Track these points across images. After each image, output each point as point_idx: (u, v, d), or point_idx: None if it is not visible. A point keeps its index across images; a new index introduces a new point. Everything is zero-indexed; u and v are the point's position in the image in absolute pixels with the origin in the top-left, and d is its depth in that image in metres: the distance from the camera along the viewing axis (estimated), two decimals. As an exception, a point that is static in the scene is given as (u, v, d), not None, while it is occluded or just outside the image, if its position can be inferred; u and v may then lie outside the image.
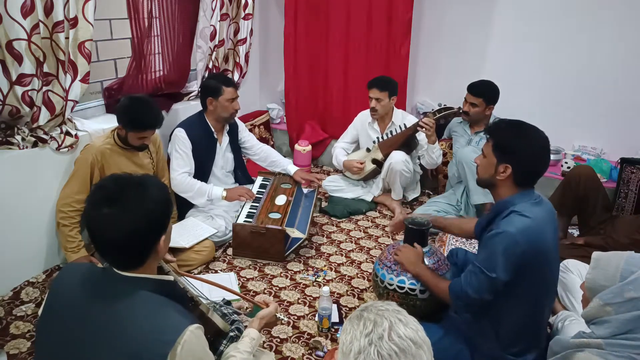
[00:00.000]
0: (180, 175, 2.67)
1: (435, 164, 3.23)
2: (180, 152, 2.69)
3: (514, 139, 1.64)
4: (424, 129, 3.02)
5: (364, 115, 3.40)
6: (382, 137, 3.27)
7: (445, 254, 2.37)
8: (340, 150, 3.48)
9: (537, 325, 1.71)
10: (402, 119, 3.28)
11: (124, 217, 1.13)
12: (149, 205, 1.16)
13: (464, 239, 2.81)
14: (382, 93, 3.14)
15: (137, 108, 2.30)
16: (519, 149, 1.62)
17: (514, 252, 1.55)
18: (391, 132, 3.24)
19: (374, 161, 3.29)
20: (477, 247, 2.68)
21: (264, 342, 2.01)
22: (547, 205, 1.68)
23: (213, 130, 2.83)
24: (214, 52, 3.28)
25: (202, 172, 2.82)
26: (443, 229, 2.22)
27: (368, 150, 3.36)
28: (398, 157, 3.12)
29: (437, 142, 3.13)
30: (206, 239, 2.56)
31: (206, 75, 3.30)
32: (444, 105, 3.47)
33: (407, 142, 3.17)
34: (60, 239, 2.35)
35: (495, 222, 1.67)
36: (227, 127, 2.91)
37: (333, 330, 2.09)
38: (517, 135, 1.65)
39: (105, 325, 1.12)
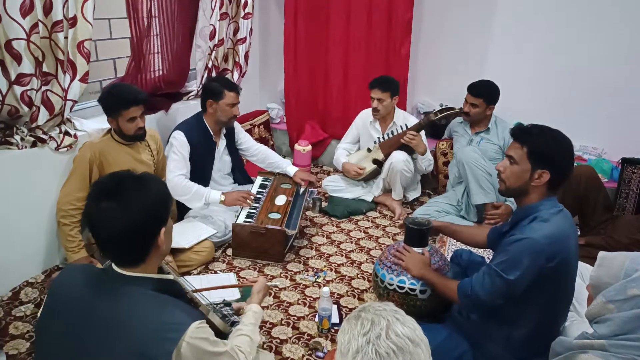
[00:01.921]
0: (177, 177, 2.63)
1: (425, 171, 3.27)
2: (178, 154, 2.66)
3: (550, 144, 1.63)
4: (410, 143, 3.04)
5: (365, 115, 3.40)
6: (383, 137, 3.27)
7: (447, 255, 2.37)
8: (341, 152, 3.47)
9: (550, 333, 1.69)
10: (404, 119, 3.27)
11: (123, 209, 1.14)
12: (147, 197, 1.18)
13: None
14: (384, 93, 3.14)
15: (117, 90, 2.37)
16: (557, 154, 1.62)
17: (537, 259, 1.53)
18: (392, 132, 3.23)
19: (375, 161, 3.28)
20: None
21: (263, 342, 2.01)
22: (568, 215, 1.66)
23: (212, 133, 2.81)
24: (214, 52, 3.28)
25: (202, 175, 2.79)
26: (451, 236, 2.21)
27: (369, 150, 3.35)
28: (399, 157, 3.12)
29: (427, 152, 3.15)
30: (206, 239, 2.56)
31: (206, 74, 3.29)
32: (446, 105, 3.47)
33: (407, 142, 3.17)
34: (61, 238, 2.35)
35: (517, 228, 1.65)
36: (224, 130, 2.90)
37: (333, 331, 2.09)
38: (552, 140, 1.64)
39: (107, 325, 1.12)
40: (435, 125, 3.51)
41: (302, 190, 3.01)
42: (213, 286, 1.90)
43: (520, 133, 1.69)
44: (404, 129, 3.18)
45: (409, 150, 3.19)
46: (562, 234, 1.57)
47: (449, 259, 2.22)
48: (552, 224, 1.57)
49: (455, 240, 2.79)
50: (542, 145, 1.63)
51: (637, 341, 1.18)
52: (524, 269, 1.55)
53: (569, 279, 1.66)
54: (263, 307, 2.20)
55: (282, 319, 2.16)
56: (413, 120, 3.25)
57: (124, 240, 1.16)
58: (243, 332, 1.47)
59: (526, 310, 1.64)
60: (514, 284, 1.57)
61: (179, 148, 2.67)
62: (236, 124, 3.02)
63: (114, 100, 2.32)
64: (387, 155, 3.21)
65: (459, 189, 3.12)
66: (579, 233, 2.81)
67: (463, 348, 1.74)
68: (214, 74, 3.33)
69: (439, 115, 3.08)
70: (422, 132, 3.20)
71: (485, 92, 3.04)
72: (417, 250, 2.01)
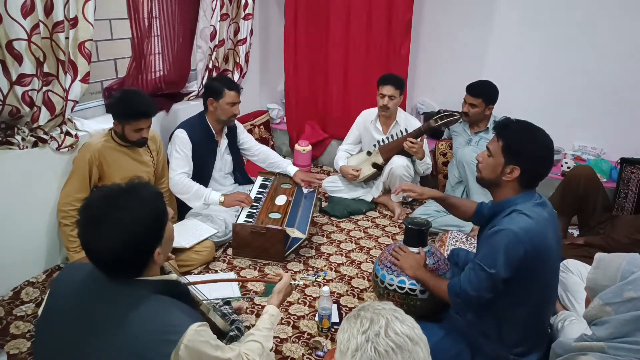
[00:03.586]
0: (179, 175, 2.65)
1: (422, 174, 3.29)
2: (180, 152, 2.68)
3: (525, 141, 1.63)
4: (410, 150, 3.05)
5: (367, 115, 3.40)
6: (386, 138, 3.27)
7: (446, 255, 2.37)
8: (342, 154, 3.47)
9: (539, 325, 1.71)
10: (405, 119, 3.28)
11: (112, 239, 1.11)
12: (139, 219, 1.14)
13: (464, 239, 2.81)
14: (397, 91, 3.15)
15: (129, 98, 2.33)
16: (530, 152, 1.62)
17: (515, 251, 1.55)
18: (392, 136, 3.23)
19: (374, 165, 3.28)
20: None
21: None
22: (549, 206, 1.68)
23: (214, 132, 2.82)
24: (214, 52, 3.28)
25: (202, 174, 2.81)
26: (439, 200, 2.21)
27: (369, 153, 3.36)
28: (399, 162, 3.12)
29: (425, 156, 3.15)
30: (206, 239, 2.56)
31: (206, 75, 3.30)
32: (445, 111, 3.46)
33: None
34: (62, 239, 2.35)
35: (496, 220, 1.66)
36: (226, 130, 2.91)
37: (333, 330, 2.09)
38: (528, 137, 1.64)
39: (107, 326, 1.12)
40: (435, 131, 3.51)
41: (305, 191, 3.01)
42: (213, 282, 1.86)
43: (500, 127, 1.70)
44: (406, 129, 3.18)
45: (409, 154, 3.19)
46: (539, 226, 1.58)
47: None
48: (530, 216, 1.58)
49: (454, 240, 2.80)
50: (517, 142, 1.63)
51: (635, 344, 1.19)
52: (504, 261, 1.56)
53: (550, 270, 1.67)
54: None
55: (282, 318, 2.16)
56: (414, 122, 3.25)
57: (116, 266, 1.15)
58: (255, 337, 1.42)
59: (510, 304, 1.64)
60: (496, 276, 1.58)
61: (181, 146, 2.68)
62: (238, 124, 3.03)
63: (125, 109, 2.31)
64: (386, 160, 3.21)
65: (459, 189, 3.12)
66: (577, 233, 2.83)
67: (460, 347, 1.75)
68: (214, 75, 3.34)
69: (439, 122, 3.07)
70: (424, 138, 3.20)
71: (484, 92, 3.04)
72: (414, 250, 2.02)
